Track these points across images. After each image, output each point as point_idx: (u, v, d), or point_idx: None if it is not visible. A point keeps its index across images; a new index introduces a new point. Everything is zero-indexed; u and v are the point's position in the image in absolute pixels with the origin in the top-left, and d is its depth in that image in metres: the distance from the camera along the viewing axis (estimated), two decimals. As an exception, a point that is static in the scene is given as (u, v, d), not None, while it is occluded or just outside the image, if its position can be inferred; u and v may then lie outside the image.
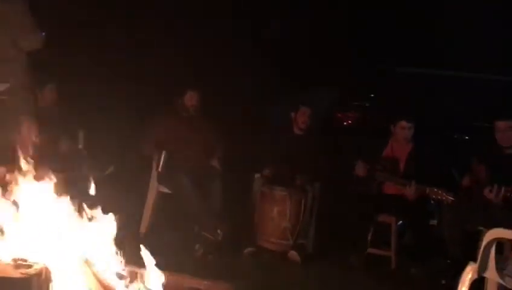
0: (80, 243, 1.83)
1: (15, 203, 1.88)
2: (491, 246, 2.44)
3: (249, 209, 4.07)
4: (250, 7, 6.35)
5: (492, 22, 6.87)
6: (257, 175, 4.18)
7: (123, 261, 1.93)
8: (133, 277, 1.90)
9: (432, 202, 3.86)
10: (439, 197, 3.62)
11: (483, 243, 2.47)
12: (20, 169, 1.92)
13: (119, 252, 1.94)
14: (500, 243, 2.66)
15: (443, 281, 3.49)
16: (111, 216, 1.97)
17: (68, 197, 1.93)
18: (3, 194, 1.89)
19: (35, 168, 1.96)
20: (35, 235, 1.82)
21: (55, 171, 2.00)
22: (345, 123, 6.35)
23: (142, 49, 5.80)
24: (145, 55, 5.79)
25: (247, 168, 4.35)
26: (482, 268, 2.45)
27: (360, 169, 4.02)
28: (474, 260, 2.51)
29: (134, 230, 4.00)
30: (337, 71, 6.63)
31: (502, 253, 2.88)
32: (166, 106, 4.43)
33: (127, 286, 1.86)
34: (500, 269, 2.44)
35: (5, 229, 1.84)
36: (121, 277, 1.88)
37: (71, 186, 2.05)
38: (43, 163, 2.02)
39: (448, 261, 3.52)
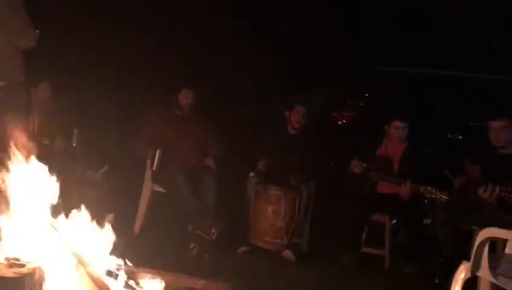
0: (74, 242, 1.83)
1: (7, 201, 1.87)
2: (484, 245, 2.46)
3: (243, 209, 4.07)
4: (250, 7, 6.36)
5: (489, 21, 6.91)
6: (252, 174, 4.18)
7: (118, 260, 1.93)
8: (128, 276, 1.90)
9: (426, 201, 3.88)
10: (433, 196, 3.64)
11: (477, 242, 2.48)
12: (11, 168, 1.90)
13: (113, 251, 1.93)
14: (493, 242, 2.67)
15: (436, 280, 3.51)
16: (105, 215, 1.96)
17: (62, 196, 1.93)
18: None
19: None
20: (28, 234, 1.81)
21: (49, 170, 1.99)
22: (339, 122, 6.36)
23: (138, 48, 5.78)
24: (141, 54, 5.77)
25: (242, 167, 4.35)
26: (475, 267, 2.46)
27: (356, 166, 4.03)
28: (468, 259, 2.52)
29: (128, 229, 4.00)
30: (332, 71, 6.65)
31: (495, 252, 2.90)
32: (161, 105, 4.42)
33: (121, 285, 1.86)
34: (493, 268, 2.46)
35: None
36: (115, 276, 1.87)
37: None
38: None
39: (442, 260, 3.54)
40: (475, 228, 3.20)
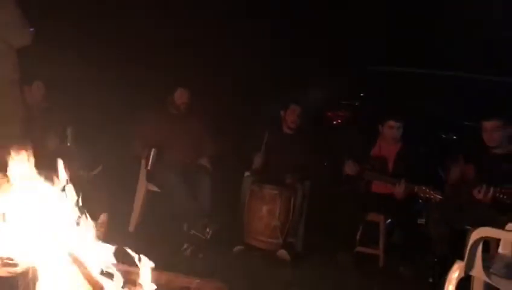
0: (68, 241, 1.82)
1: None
2: (478, 244, 2.47)
3: (238, 208, 4.07)
4: (245, 6, 6.35)
5: (484, 22, 6.94)
6: (247, 173, 4.18)
7: (112, 260, 1.92)
8: (123, 276, 1.89)
9: (420, 201, 3.90)
10: (427, 195, 3.66)
11: (470, 241, 2.50)
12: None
13: (108, 250, 1.92)
14: (486, 242, 2.69)
15: (430, 280, 3.53)
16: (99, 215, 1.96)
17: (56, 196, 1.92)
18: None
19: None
20: (22, 233, 1.80)
21: (42, 169, 1.98)
22: (334, 122, 6.37)
23: (133, 46, 5.76)
24: (136, 53, 5.75)
25: (237, 166, 4.35)
26: (469, 266, 2.48)
27: (350, 168, 4.04)
28: (461, 258, 2.54)
29: (123, 229, 3.99)
30: (327, 71, 6.65)
31: (488, 251, 2.92)
32: (156, 104, 4.41)
33: (116, 285, 1.85)
34: (486, 267, 2.47)
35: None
36: (110, 275, 1.86)
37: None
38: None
39: (436, 259, 3.55)
40: (469, 227, 3.22)
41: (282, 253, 3.87)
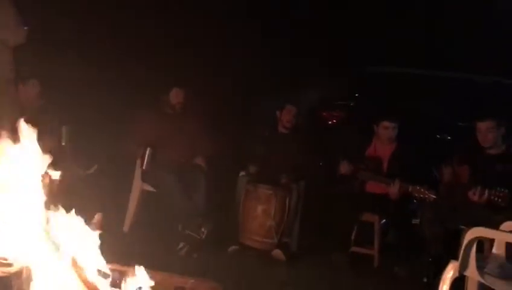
0: (63, 242, 1.81)
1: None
2: (472, 244, 2.48)
3: (233, 208, 4.07)
4: (240, 6, 6.35)
5: (477, 22, 6.97)
6: (242, 173, 4.18)
7: (107, 259, 1.92)
8: (117, 276, 1.89)
9: (415, 201, 3.91)
10: (421, 195, 3.67)
11: (465, 241, 2.50)
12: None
13: (102, 250, 1.92)
14: (480, 242, 2.70)
15: (425, 279, 3.54)
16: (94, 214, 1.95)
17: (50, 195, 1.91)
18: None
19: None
20: (17, 234, 1.79)
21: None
22: (329, 122, 6.38)
23: (129, 46, 5.75)
24: (132, 52, 5.74)
25: (232, 166, 4.35)
26: (463, 266, 2.48)
27: (345, 168, 4.05)
28: (456, 258, 2.55)
29: (118, 228, 3.97)
30: (322, 71, 6.66)
31: (482, 252, 2.93)
32: (152, 103, 4.40)
33: (110, 285, 1.85)
34: (480, 267, 2.48)
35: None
36: (104, 275, 1.86)
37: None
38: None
39: (430, 259, 3.56)
40: (463, 227, 3.24)
41: (277, 253, 3.88)
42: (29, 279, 1.74)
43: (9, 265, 1.72)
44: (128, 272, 1.93)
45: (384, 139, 4.10)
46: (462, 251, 2.49)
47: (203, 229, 3.83)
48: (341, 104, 6.36)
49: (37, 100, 3.97)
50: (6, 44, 2.85)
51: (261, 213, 3.93)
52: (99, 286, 1.79)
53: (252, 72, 6.46)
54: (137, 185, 4.14)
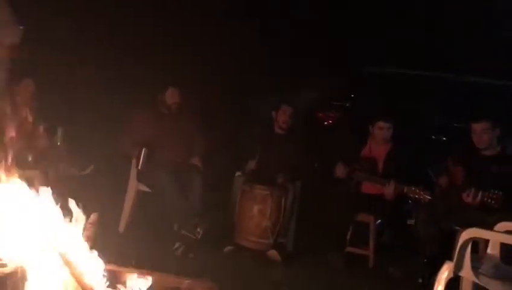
0: (58, 242, 1.80)
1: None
2: (467, 245, 2.49)
3: (229, 208, 4.07)
4: (237, 6, 6.35)
5: (473, 23, 7.00)
6: (238, 173, 4.18)
7: (102, 260, 1.91)
8: (113, 276, 1.88)
9: (410, 201, 3.92)
10: (416, 196, 3.68)
11: (459, 242, 2.52)
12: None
13: (97, 251, 1.91)
14: (475, 243, 2.71)
15: (420, 280, 3.55)
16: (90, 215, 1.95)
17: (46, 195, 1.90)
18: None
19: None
20: (11, 234, 1.79)
21: (32, 168, 1.97)
22: (325, 123, 6.39)
23: (124, 46, 5.74)
24: (127, 52, 5.73)
25: (228, 166, 4.34)
26: (458, 267, 2.50)
27: (340, 170, 4.06)
28: (451, 259, 2.56)
29: (113, 229, 3.96)
30: (318, 71, 6.68)
31: (477, 252, 2.94)
32: (147, 103, 4.39)
33: (105, 285, 1.85)
34: (475, 267, 2.49)
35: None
36: (99, 275, 1.85)
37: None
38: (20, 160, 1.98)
39: (425, 260, 3.58)
40: (458, 228, 3.25)
41: (273, 253, 3.88)
42: (23, 279, 1.73)
43: (4, 265, 1.71)
44: (123, 272, 1.92)
45: (379, 139, 4.11)
46: (456, 252, 2.50)
47: (198, 229, 3.82)
48: (337, 104, 6.38)
49: (32, 100, 3.96)
50: (2, 43, 2.84)
51: (257, 213, 3.93)
52: (94, 287, 1.79)
53: (249, 72, 6.46)
54: (133, 185, 4.13)
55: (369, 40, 7.29)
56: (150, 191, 4.07)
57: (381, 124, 4.07)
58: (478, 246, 3.16)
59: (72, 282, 1.76)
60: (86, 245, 1.91)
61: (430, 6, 7.45)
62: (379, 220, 4.01)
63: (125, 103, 4.98)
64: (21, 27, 2.90)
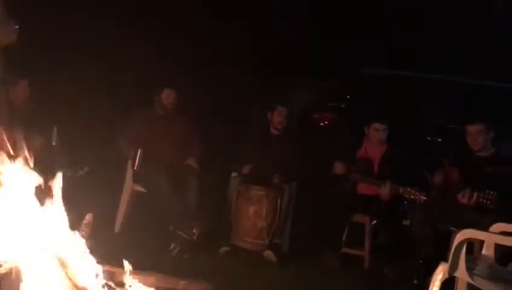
0: (53, 242, 1.80)
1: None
2: (462, 246, 2.50)
3: (225, 209, 4.07)
4: (233, 7, 6.36)
5: (469, 24, 7.03)
6: (234, 174, 4.18)
7: (97, 260, 1.91)
8: (108, 277, 1.88)
9: (405, 202, 3.93)
10: (412, 196, 3.69)
11: (455, 243, 2.53)
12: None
13: (93, 251, 1.91)
14: (470, 244, 2.73)
15: (415, 281, 3.56)
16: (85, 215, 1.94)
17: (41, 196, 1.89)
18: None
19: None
20: (6, 234, 1.78)
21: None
22: (321, 124, 6.40)
23: (121, 46, 5.72)
24: (124, 53, 5.71)
25: (224, 167, 4.34)
26: (453, 268, 2.51)
27: (339, 168, 4.07)
28: (446, 259, 2.57)
29: (108, 229, 3.95)
30: (314, 72, 6.69)
31: (472, 253, 2.96)
32: (143, 104, 4.38)
33: (100, 287, 1.84)
34: (470, 268, 2.50)
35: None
36: (94, 276, 1.85)
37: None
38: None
39: (420, 261, 3.59)
40: (453, 229, 3.26)
41: (269, 254, 3.88)
42: (18, 279, 1.72)
43: (-1, 266, 1.71)
44: (118, 272, 1.92)
45: (374, 141, 4.12)
46: (452, 253, 2.51)
47: (194, 230, 3.82)
48: (333, 105, 6.38)
49: (27, 101, 3.94)
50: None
51: (252, 214, 3.92)
52: (89, 287, 1.78)
53: (244, 72, 6.46)
54: (129, 186, 4.12)
55: (365, 41, 7.31)
56: (145, 191, 4.07)
57: (376, 125, 4.09)
58: (473, 247, 3.18)
59: (66, 283, 1.76)
60: (81, 245, 1.90)
61: (430, 7, 7.47)
62: (375, 221, 4.02)
63: (121, 103, 4.97)
64: (17, 27, 2.89)
